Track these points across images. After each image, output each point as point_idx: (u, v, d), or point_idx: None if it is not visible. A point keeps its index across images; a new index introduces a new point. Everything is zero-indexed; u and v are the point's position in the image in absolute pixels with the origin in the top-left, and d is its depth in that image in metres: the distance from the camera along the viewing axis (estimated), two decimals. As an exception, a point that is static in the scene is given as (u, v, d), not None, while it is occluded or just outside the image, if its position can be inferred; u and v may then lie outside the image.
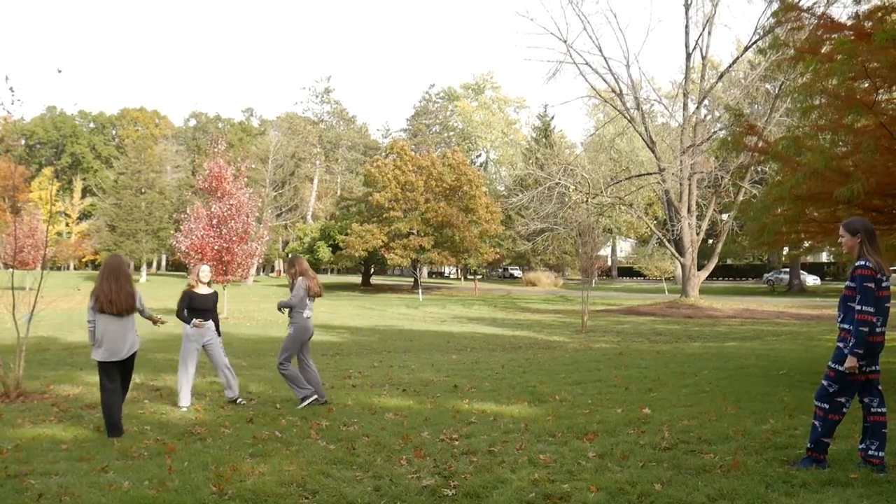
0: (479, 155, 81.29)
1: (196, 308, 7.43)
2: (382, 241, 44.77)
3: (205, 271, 7.66)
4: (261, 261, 60.99)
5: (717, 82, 32.25)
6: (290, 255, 8.05)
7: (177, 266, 75.87)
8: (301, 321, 7.47)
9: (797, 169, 8.43)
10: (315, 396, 7.30)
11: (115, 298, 6.01)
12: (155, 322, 6.83)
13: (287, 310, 7.46)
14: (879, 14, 8.16)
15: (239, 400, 7.52)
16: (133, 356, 6.26)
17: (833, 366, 4.49)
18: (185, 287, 7.60)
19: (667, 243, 33.58)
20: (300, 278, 7.55)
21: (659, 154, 32.33)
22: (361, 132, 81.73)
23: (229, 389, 7.55)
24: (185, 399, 7.24)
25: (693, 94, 33.00)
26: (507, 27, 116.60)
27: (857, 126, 8.33)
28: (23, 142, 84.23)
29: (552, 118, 61.84)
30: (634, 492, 4.19)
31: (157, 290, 46.37)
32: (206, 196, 26.76)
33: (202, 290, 7.57)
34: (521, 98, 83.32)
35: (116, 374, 6.10)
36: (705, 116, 33.10)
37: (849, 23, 8.45)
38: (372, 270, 57.58)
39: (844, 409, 4.53)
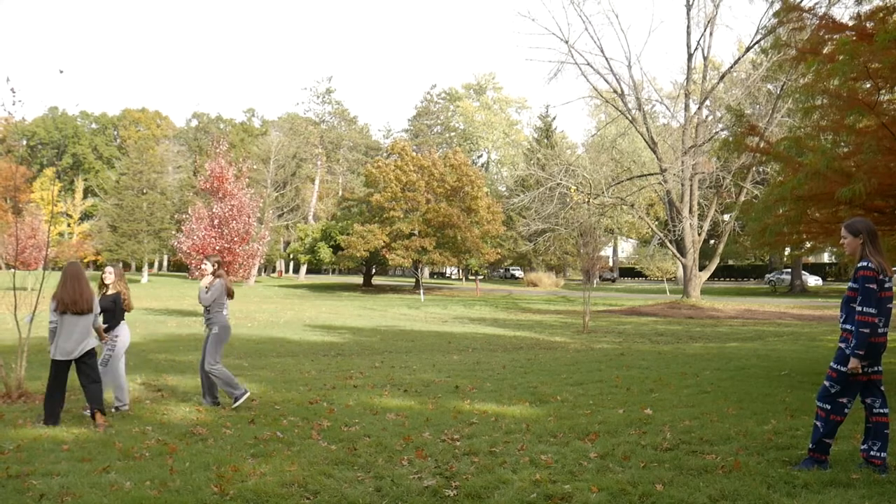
0: (481, 155, 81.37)
1: (101, 310, 7.26)
2: (384, 242, 44.79)
3: (106, 272, 7.54)
4: (262, 261, 61.03)
5: (718, 83, 32.24)
6: (211, 258, 7.82)
7: (178, 266, 75.91)
8: (223, 321, 7.48)
9: (799, 169, 8.43)
10: (248, 393, 7.31)
11: (77, 299, 6.48)
12: (101, 338, 7.11)
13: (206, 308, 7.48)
14: (881, 14, 8.16)
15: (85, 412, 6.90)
16: (87, 354, 6.61)
17: (835, 366, 4.49)
18: (102, 293, 7.44)
19: (668, 244, 33.58)
20: (220, 280, 7.54)
21: (660, 154, 32.33)
22: (363, 133, 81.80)
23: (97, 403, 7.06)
24: (124, 398, 7.21)
25: (695, 95, 33.00)
26: (508, 27, 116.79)
27: (859, 127, 8.32)
28: (24, 142, 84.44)
29: (554, 119, 61.95)
30: (636, 492, 4.19)
31: (158, 291, 46.45)
32: (207, 196, 26.79)
33: (109, 291, 7.44)
34: (522, 98, 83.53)
35: (66, 373, 6.54)
36: (707, 117, 33.10)
37: (850, 23, 8.44)
38: (373, 271, 57.61)
39: (846, 410, 4.53)
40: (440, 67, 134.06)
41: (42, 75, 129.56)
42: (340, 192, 71.59)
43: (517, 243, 50.36)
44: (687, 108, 32.62)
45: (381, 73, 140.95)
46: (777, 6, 10.15)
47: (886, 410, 4.54)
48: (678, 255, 32.79)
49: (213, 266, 7.60)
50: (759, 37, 27.22)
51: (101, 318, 7.12)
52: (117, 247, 59.00)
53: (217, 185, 24.46)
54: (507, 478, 4.54)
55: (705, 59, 31.91)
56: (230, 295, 7.64)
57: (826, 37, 8.60)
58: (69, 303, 6.45)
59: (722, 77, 32.66)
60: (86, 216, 78.89)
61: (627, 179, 36.33)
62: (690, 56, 31.80)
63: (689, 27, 31.58)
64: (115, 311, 7.37)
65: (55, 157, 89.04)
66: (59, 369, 6.49)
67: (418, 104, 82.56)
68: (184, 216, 27.47)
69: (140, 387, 8.63)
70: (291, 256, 65.49)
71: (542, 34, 51.65)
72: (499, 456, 5.16)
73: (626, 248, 74.87)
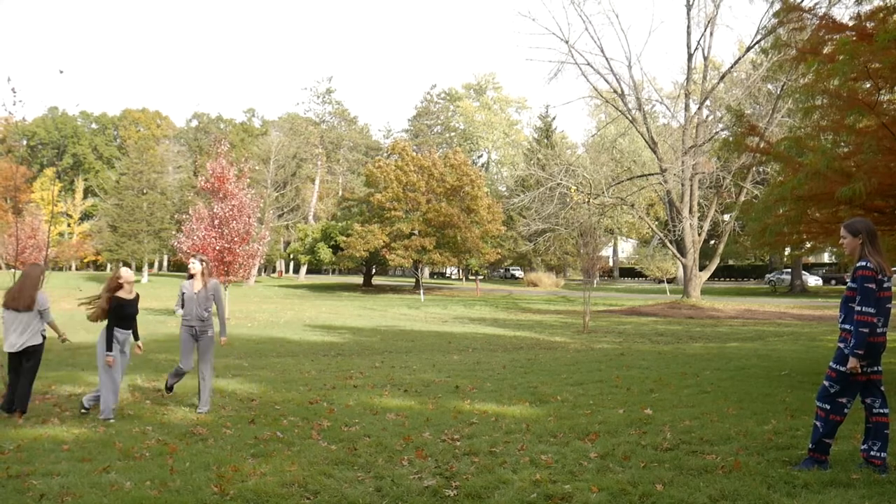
0: (481, 155, 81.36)
1: (126, 316, 6.88)
2: (384, 242, 44.78)
3: (130, 273, 7.07)
4: (262, 261, 61.05)
5: (718, 83, 32.24)
6: (199, 257, 7.36)
7: (178, 266, 75.96)
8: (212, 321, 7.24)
9: (799, 169, 8.43)
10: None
11: (16, 296, 6.94)
12: (61, 339, 7.45)
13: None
14: (881, 15, 8.16)
15: (92, 411, 6.82)
16: (29, 351, 6.93)
17: (834, 366, 4.49)
18: (105, 294, 6.84)
19: (668, 244, 33.57)
20: (215, 280, 7.30)
21: (660, 154, 32.32)
22: (363, 133, 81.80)
23: (92, 398, 6.89)
24: (109, 409, 6.66)
25: (695, 95, 32.98)
26: (508, 27, 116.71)
27: (859, 127, 8.32)
28: (24, 142, 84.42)
29: (554, 119, 61.90)
30: (636, 492, 4.19)
31: (158, 291, 46.43)
32: (207, 196, 26.78)
33: (127, 294, 6.93)
34: (522, 98, 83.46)
35: (16, 363, 6.94)
36: (707, 117, 33.10)
37: (850, 23, 8.44)
38: (373, 271, 57.60)
39: (846, 410, 4.53)
40: (440, 67, 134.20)
41: (42, 75, 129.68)
42: (340, 192, 71.60)
43: (517, 243, 50.33)
44: (687, 108, 32.62)
45: (381, 73, 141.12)
46: (777, 6, 10.15)
47: (886, 410, 4.54)
48: (678, 255, 32.78)
49: (202, 265, 7.24)
50: (759, 37, 27.22)
51: (50, 315, 7.06)
52: (117, 247, 59.03)
53: (218, 185, 24.45)
54: (508, 478, 4.54)
55: (705, 59, 31.90)
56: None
57: (826, 37, 8.60)
58: (8, 299, 6.94)
59: (722, 77, 32.65)
60: (86, 216, 78.92)
61: (627, 179, 36.32)
62: (690, 56, 31.80)
63: (689, 27, 31.60)
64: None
65: (55, 157, 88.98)
66: (9, 359, 7.01)
67: (418, 104, 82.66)
68: (184, 216, 27.46)
69: (140, 387, 8.63)
70: (291, 256, 65.47)
71: (542, 34, 51.73)
72: (499, 456, 5.16)
73: (626, 248, 74.83)
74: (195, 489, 4.35)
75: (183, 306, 7.15)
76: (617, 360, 11.67)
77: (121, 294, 6.89)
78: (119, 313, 6.83)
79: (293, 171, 67.44)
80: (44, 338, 7.05)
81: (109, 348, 6.74)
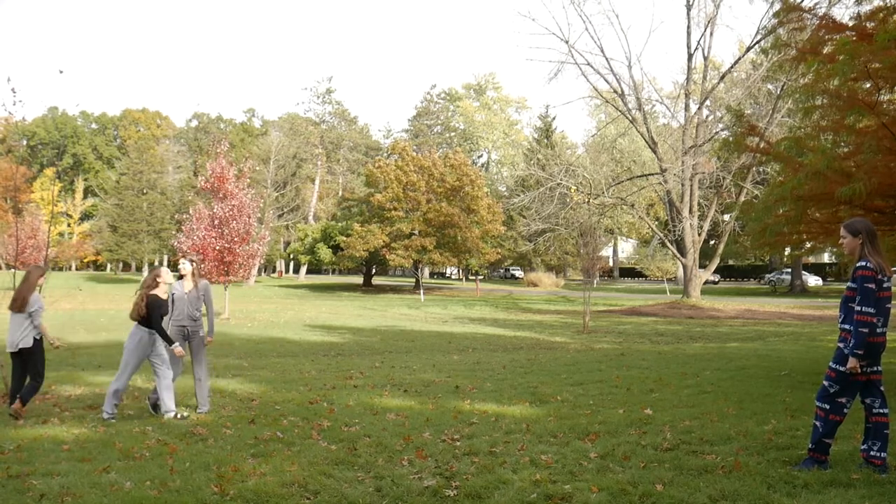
0: (481, 155, 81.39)
1: (161, 316, 6.85)
2: (384, 242, 44.79)
3: (169, 274, 7.04)
4: (262, 261, 61.01)
5: (718, 83, 32.24)
6: (190, 257, 7.30)
7: (178, 266, 75.95)
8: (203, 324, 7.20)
9: (799, 169, 8.43)
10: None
11: (15, 297, 7.05)
12: (51, 344, 7.35)
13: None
14: (881, 15, 8.16)
15: (177, 415, 6.79)
16: (24, 353, 6.95)
17: (834, 366, 4.49)
18: (141, 291, 6.79)
19: (668, 244, 33.57)
20: (205, 280, 7.30)
21: (660, 154, 32.32)
22: (363, 133, 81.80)
23: (169, 406, 6.83)
24: (111, 408, 6.74)
25: (695, 95, 32.98)
26: (508, 27, 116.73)
27: (859, 127, 8.32)
28: (24, 142, 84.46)
29: (553, 119, 61.86)
30: (636, 492, 4.18)
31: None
32: (208, 196, 26.80)
33: (163, 294, 6.88)
34: (522, 98, 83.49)
35: (14, 363, 7.04)
36: (707, 117, 33.09)
37: (850, 23, 8.45)
38: (373, 271, 57.60)
39: (845, 410, 4.53)
40: (440, 67, 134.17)
41: (42, 75, 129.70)
42: (340, 193, 71.60)
43: (517, 243, 50.36)
44: (687, 108, 32.62)
45: (381, 73, 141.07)
46: (777, 6, 10.16)
47: (886, 410, 4.54)
48: (678, 255, 32.78)
49: (192, 265, 7.20)
50: (759, 37, 27.23)
51: (38, 318, 7.01)
52: (117, 247, 59.09)
53: (218, 185, 24.46)
54: (508, 478, 4.54)
55: (705, 59, 31.91)
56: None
57: (826, 37, 8.60)
58: (10, 300, 7.07)
59: (722, 77, 32.65)
60: (86, 216, 78.94)
61: (627, 179, 36.32)
62: (690, 56, 31.81)
63: (689, 27, 31.61)
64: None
65: (55, 157, 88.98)
66: (11, 360, 7.07)
67: (418, 104, 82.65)
68: (184, 216, 27.47)
69: (140, 387, 8.63)
70: (291, 256, 65.48)
71: (542, 34, 51.70)
72: (499, 456, 5.15)
73: (626, 248, 74.83)
74: (195, 489, 4.35)
75: (173, 306, 7.14)
76: (617, 360, 11.67)
77: (157, 292, 6.86)
78: (158, 312, 6.81)
79: (293, 171, 67.44)
80: (35, 340, 6.99)
81: (170, 342, 6.79)
